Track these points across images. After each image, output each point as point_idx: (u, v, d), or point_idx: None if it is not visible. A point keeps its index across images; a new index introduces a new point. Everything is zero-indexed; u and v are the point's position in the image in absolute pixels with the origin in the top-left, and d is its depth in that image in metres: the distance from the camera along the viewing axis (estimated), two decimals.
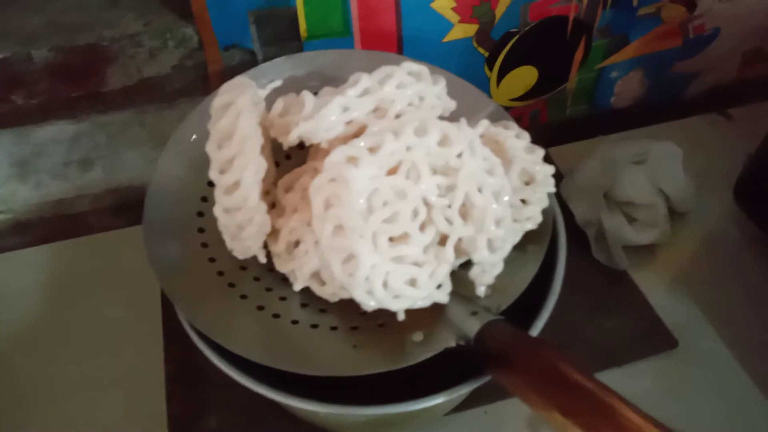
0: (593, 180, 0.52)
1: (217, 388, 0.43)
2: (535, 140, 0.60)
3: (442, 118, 0.38)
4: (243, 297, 0.35)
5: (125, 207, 0.55)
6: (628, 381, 0.44)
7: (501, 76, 0.56)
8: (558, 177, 0.55)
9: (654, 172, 0.52)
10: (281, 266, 0.36)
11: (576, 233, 0.51)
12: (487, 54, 0.54)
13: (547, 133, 0.63)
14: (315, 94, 0.36)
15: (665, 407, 0.42)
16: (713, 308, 0.48)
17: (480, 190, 0.32)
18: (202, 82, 0.49)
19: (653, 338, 0.47)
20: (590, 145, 0.56)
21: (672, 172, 0.52)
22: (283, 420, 0.41)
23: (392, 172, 0.32)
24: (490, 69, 0.55)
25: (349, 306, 0.33)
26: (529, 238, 0.36)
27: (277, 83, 0.36)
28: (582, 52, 0.57)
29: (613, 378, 0.44)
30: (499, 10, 0.51)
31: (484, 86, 0.56)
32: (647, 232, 0.51)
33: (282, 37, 0.48)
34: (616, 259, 0.50)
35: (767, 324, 0.47)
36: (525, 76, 0.57)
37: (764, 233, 0.51)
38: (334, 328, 0.34)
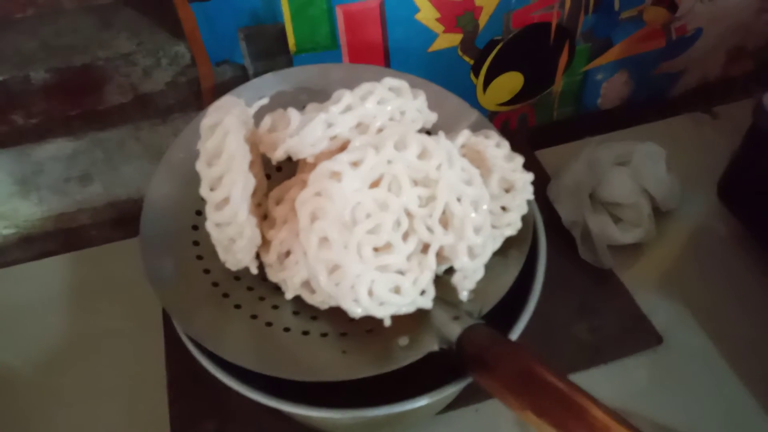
0: (578, 181, 0.53)
1: (218, 392, 0.43)
2: (524, 143, 0.61)
3: (424, 129, 0.39)
4: (237, 306, 0.37)
5: (124, 220, 0.57)
6: (614, 378, 0.46)
7: (487, 82, 0.57)
8: (546, 179, 0.57)
9: (638, 173, 0.53)
10: (273, 276, 0.37)
11: (563, 234, 0.53)
12: (472, 62, 0.55)
13: (535, 136, 0.64)
14: (303, 108, 0.38)
15: (651, 403, 0.44)
16: (698, 305, 0.49)
17: (459, 200, 0.34)
18: (196, 97, 0.51)
19: (639, 335, 0.48)
20: (577, 147, 0.57)
21: (655, 172, 0.53)
22: (281, 422, 0.43)
23: (375, 185, 0.34)
24: (476, 76, 0.56)
25: (338, 313, 0.35)
26: (510, 243, 0.37)
27: (265, 101, 0.38)
28: (566, 56, 0.59)
29: (599, 375, 0.46)
30: (483, 19, 0.52)
31: (470, 93, 0.57)
32: (632, 231, 0.52)
33: (271, 51, 0.49)
34: (601, 259, 0.51)
35: (752, 320, 0.48)
36: (511, 82, 0.59)
37: (748, 230, 0.52)
38: (324, 335, 0.36)
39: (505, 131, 0.63)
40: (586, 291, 0.51)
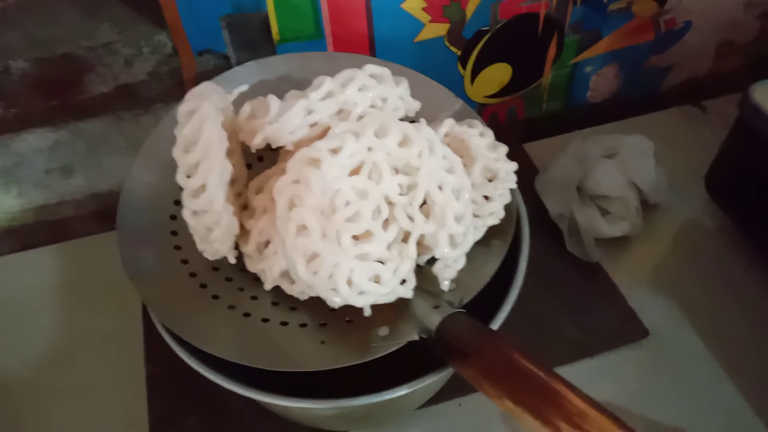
0: (566, 175, 0.53)
1: (198, 387, 0.42)
2: (512, 136, 0.61)
3: (407, 118, 0.39)
4: (215, 297, 0.36)
5: (106, 212, 0.56)
6: (601, 371, 0.46)
7: (475, 73, 0.57)
8: (534, 172, 0.57)
9: (626, 165, 0.53)
10: (252, 266, 0.37)
11: (550, 227, 0.52)
12: (459, 52, 0.54)
13: (525, 129, 0.64)
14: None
15: (638, 397, 0.44)
16: (685, 298, 0.49)
17: (440, 188, 0.33)
18: (178, 87, 0.50)
19: (625, 329, 0.47)
20: (566, 140, 0.56)
21: (643, 165, 0.53)
22: (262, 417, 0.42)
23: (355, 172, 0.33)
24: (464, 67, 0.56)
25: (318, 303, 0.34)
26: (492, 233, 0.37)
27: (244, 88, 0.37)
28: (555, 48, 0.58)
29: (586, 369, 0.46)
30: (470, 9, 0.52)
31: (458, 84, 0.57)
32: (619, 224, 0.52)
33: (255, 41, 0.49)
34: (589, 252, 0.50)
35: (738, 313, 0.48)
36: (499, 73, 0.58)
37: (735, 223, 0.52)
38: (303, 325, 0.35)
39: (494, 124, 0.63)
40: (573, 284, 0.50)
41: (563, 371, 0.28)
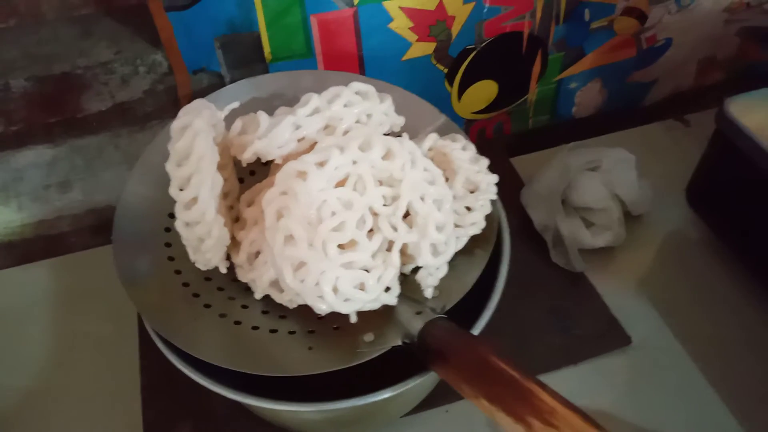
0: (550, 187, 0.54)
1: (192, 394, 0.44)
2: (499, 151, 0.62)
3: (393, 133, 0.40)
4: (206, 306, 0.37)
5: (104, 226, 0.57)
6: (584, 378, 0.47)
7: (462, 90, 0.59)
8: (521, 185, 0.58)
9: (608, 178, 0.54)
10: (243, 276, 0.38)
11: (535, 238, 0.54)
12: (446, 70, 0.56)
13: (512, 144, 0.65)
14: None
15: (620, 404, 0.45)
16: (667, 307, 0.50)
17: (422, 199, 0.35)
18: (173, 105, 0.52)
19: (608, 337, 0.49)
20: (552, 154, 0.58)
21: (625, 177, 0.54)
22: (254, 423, 0.43)
23: (341, 184, 0.35)
24: (451, 84, 0.58)
25: (307, 312, 0.36)
26: (475, 243, 0.38)
27: (235, 105, 0.39)
28: (539, 65, 0.60)
29: (569, 376, 0.47)
30: (455, 29, 0.54)
31: (445, 101, 0.58)
32: (602, 235, 0.53)
33: (247, 60, 0.50)
34: (573, 262, 0.52)
35: (718, 322, 0.49)
36: (486, 90, 0.60)
37: (715, 233, 0.53)
38: (292, 333, 0.37)
39: (482, 139, 0.65)
40: (557, 294, 0.52)
41: (547, 378, 0.29)
